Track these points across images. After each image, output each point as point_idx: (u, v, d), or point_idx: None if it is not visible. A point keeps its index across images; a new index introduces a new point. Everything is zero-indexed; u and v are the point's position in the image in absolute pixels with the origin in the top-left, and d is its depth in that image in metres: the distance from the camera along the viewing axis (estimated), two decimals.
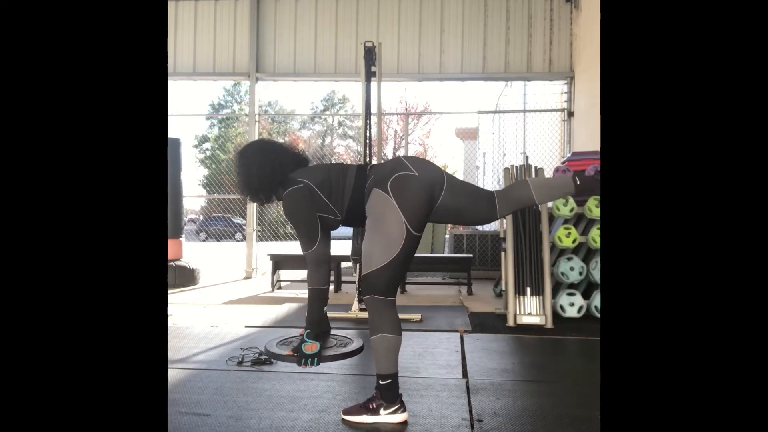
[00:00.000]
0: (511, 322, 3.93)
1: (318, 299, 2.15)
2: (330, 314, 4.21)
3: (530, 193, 2.10)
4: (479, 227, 13.16)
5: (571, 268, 4.20)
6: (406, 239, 1.98)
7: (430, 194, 2.03)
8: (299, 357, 2.10)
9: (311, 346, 2.12)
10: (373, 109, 4.29)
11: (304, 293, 5.79)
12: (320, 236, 2.10)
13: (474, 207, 2.11)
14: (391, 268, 2.00)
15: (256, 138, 2.34)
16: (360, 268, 2.12)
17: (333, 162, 2.21)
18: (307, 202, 2.09)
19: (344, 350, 2.21)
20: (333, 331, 2.34)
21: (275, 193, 2.20)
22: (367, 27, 7.38)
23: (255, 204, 7.54)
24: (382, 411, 2.05)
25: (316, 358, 2.10)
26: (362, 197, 2.10)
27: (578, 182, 2.10)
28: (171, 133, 6.39)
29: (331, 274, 6.11)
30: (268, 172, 2.14)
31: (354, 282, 4.74)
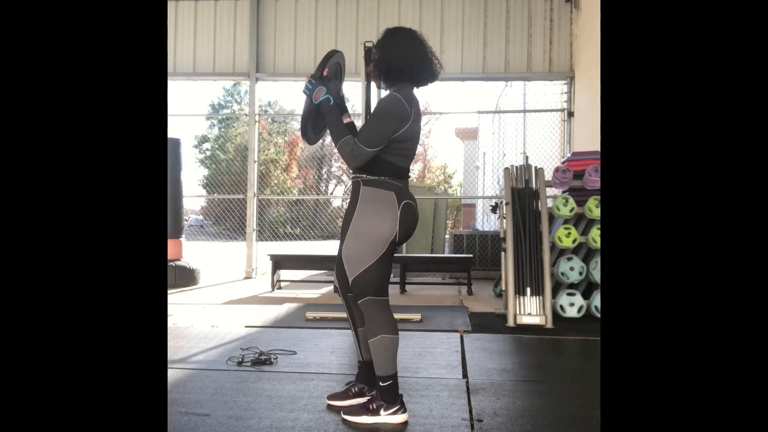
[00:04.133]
0: (511, 322, 3.93)
1: (339, 133, 2.10)
2: (330, 314, 4.22)
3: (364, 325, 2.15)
4: (479, 227, 13.15)
5: (571, 268, 4.20)
6: (392, 243, 2.06)
7: (407, 237, 2.12)
8: (317, 80, 2.14)
9: (320, 94, 2.14)
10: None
11: (304, 293, 5.79)
12: (376, 150, 2.03)
13: None
14: (381, 265, 2.04)
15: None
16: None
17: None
18: (398, 121, 2.04)
19: (309, 129, 2.25)
20: None
21: (389, 82, 2.17)
22: (367, 27, 7.38)
23: (255, 204, 7.56)
24: (382, 412, 2.05)
25: (308, 92, 2.14)
26: (383, 173, 2.07)
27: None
28: (171, 133, 6.39)
29: (331, 274, 6.12)
30: (403, 64, 2.12)
31: None
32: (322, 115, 2.21)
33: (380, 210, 2.04)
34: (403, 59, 2.12)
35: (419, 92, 2.30)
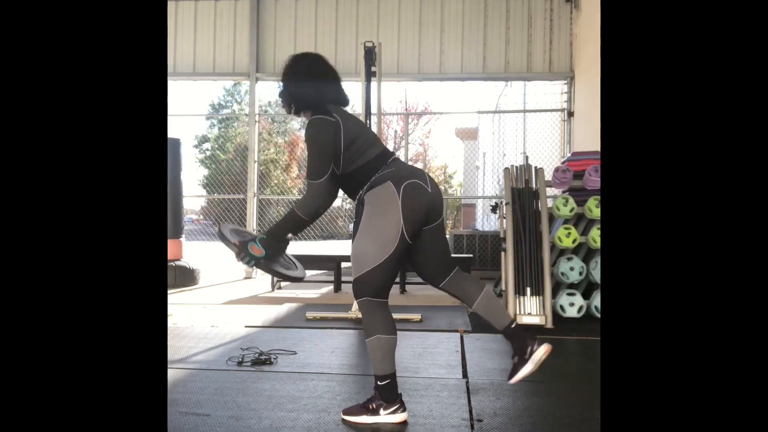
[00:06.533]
0: None
1: (292, 222, 2.13)
2: (330, 314, 4.21)
3: (475, 298, 2.17)
4: (479, 227, 13.15)
5: (571, 268, 4.20)
6: (400, 242, 2.01)
7: (428, 214, 2.08)
8: (240, 251, 2.13)
9: (257, 250, 2.14)
10: (373, 109, 4.29)
11: (304, 293, 5.79)
12: (329, 174, 2.06)
13: (434, 259, 2.18)
14: (385, 268, 2.01)
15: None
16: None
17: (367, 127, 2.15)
18: (330, 137, 2.06)
19: (283, 271, 2.24)
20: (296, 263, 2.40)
21: (305, 109, 2.19)
22: (367, 27, 7.38)
23: (255, 204, 7.56)
24: (381, 411, 2.05)
25: (253, 260, 2.14)
26: (370, 174, 2.09)
27: (512, 326, 2.13)
28: (171, 133, 6.39)
29: (331, 274, 6.12)
30: (311, 86, 2.15)
31: None
32: (276, 253, 2.24)
33: (382, 208, 2.02)
34: (303, 86, 2.16)
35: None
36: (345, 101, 2.26)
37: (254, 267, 2.17)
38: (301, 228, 2.17)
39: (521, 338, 2.11)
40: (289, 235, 2.22)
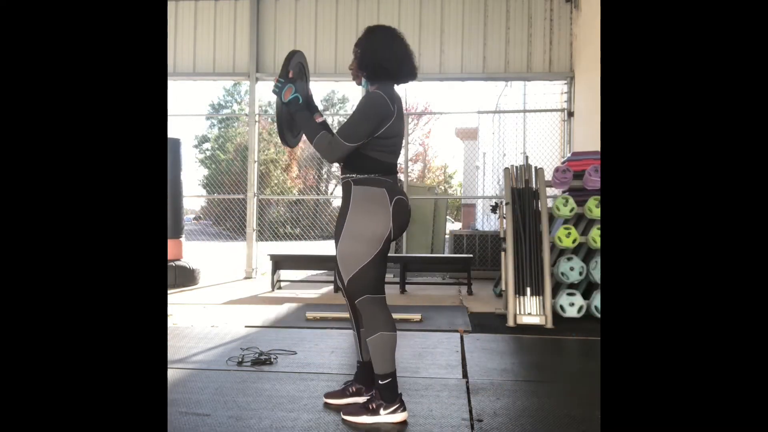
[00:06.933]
0: (511, 322, 3.93)
1: (308, 130, 2.14)
2: (330, 314, 4.22)
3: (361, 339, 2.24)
4: (479, 227, 13.16)
5: (571, 268, 4.20)
6: (387, 240, 2.08)
7: (401, 231, 2.17)
8: (283, 79, 2.16)
9: (288, 94, 2.17)
10: None
11: (303, 293, 5.79)
12: (355, 146, 2.06)
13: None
14: (376, 263, 2.06)
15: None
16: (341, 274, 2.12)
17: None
18: (379, 118, 2.06)
19: (284, 129, 2.26)
20: None
21: (374, 82, 2.15)
22: None
23: (255, 204, 7.56)
24: (381, 411, 2.05)
25: (276, 93, 2.17)
26: (372, 170, 2.10)
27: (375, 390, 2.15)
28: (171, 133, 6.39)
29: (331, 274, 6.12)
30: (387, 62, 2.12)
31: None
32: (293, 115, 2.22)
33: (373, 209, 2.06)
34: (385, 57, 2.12)
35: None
36: (414, 77, 2.23)
37: (277, 92, 2.18)
38: (314, 138, 2.14)
39: (369, 378, 2.21)
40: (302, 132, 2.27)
